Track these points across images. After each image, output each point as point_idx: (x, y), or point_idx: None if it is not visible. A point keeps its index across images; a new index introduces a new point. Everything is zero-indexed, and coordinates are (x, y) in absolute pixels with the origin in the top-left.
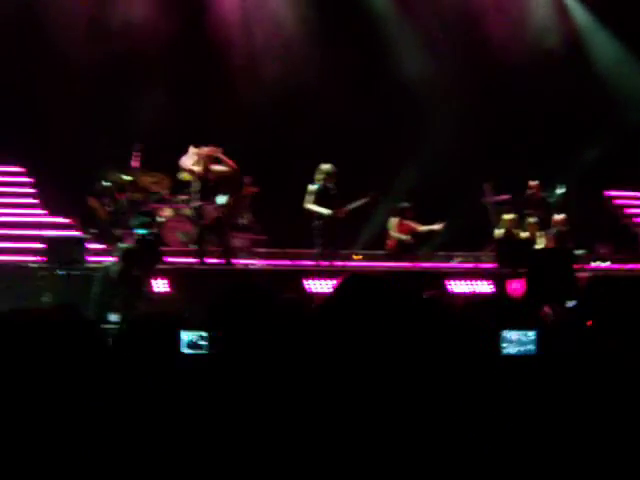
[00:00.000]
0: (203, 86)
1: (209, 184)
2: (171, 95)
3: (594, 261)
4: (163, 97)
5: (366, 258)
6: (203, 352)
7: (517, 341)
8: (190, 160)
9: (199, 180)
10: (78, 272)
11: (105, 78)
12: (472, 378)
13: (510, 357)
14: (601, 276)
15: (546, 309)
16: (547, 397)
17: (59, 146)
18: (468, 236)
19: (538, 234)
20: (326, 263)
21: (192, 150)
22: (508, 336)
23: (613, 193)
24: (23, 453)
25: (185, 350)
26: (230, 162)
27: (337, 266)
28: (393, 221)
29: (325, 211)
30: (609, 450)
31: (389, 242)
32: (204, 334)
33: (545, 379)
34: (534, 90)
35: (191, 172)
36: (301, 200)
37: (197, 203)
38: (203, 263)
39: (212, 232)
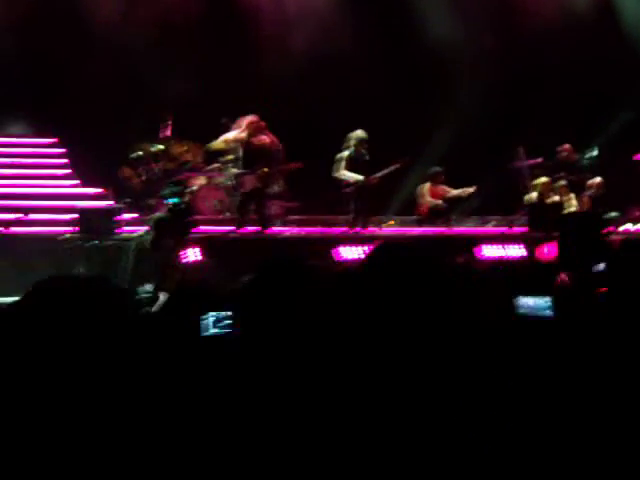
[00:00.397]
0: (233, 55)
1: (251, 152)
2: (201, 65)
3: (626, 224)
4: (193, 66)
5: (399, 224)
6: (227, 331)
7: (533, 307)
8: (234, 131)
9: (242, 148)
10: (111, 242)
11: (136, 48)
12: (486, 344)
13: (525, 320)
14: (633, 239)
15: (562, 276)
16: (561, 364)
17: (91, 116)
18: (500, 200)
19: (569, 197)
20: (358, 230)
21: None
22: (524, 302)
23: None
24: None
25: (210, 330)
26: (271, 135)
27: (369, 233)
28: (424, 186)
29: (357, 177)
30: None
31: (421, 207)
32: (229, 313)
33: (560, 346)
34: (565, 53)
35: (235, 140)
36: (329, 166)
37: (237, 171)
38: (240, 230)
39: (250, 200)
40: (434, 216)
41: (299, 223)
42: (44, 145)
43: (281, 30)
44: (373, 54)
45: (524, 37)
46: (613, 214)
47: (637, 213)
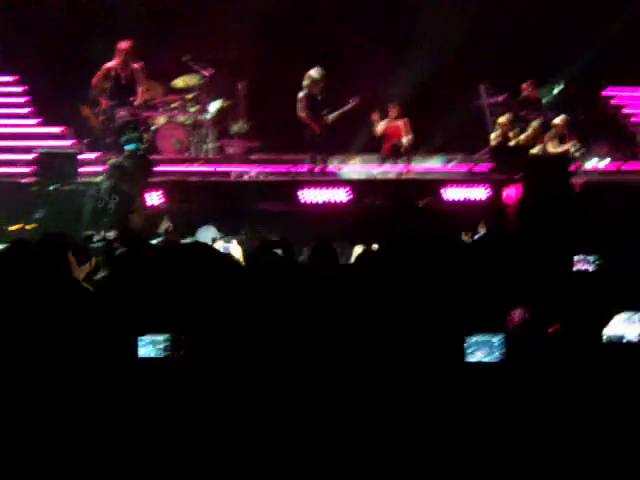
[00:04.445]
0: None
1: None
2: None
3: (592, 160)
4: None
5: (361, 162)
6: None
7: (482, 345)
8: None
9: None
10: (70, 187)
11: None
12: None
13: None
14: (593, 183)
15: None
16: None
17: (51, 53)
18: (463, 139)
19: (535, 136)
20: (318, 170)
21: None
22: (473, 340)
23: (610, 92)
24: None
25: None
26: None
27: (330, 174)
28: (382, 124)
29: (311, 121)
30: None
31: (384, 147)
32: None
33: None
34: None
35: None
36: (294, 106)
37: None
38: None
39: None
40: (396, 156)
41: (260, 162)
42: (4, 83)
43: None
44: None
45: None
46: (578, 151)
47: (602, 149)
